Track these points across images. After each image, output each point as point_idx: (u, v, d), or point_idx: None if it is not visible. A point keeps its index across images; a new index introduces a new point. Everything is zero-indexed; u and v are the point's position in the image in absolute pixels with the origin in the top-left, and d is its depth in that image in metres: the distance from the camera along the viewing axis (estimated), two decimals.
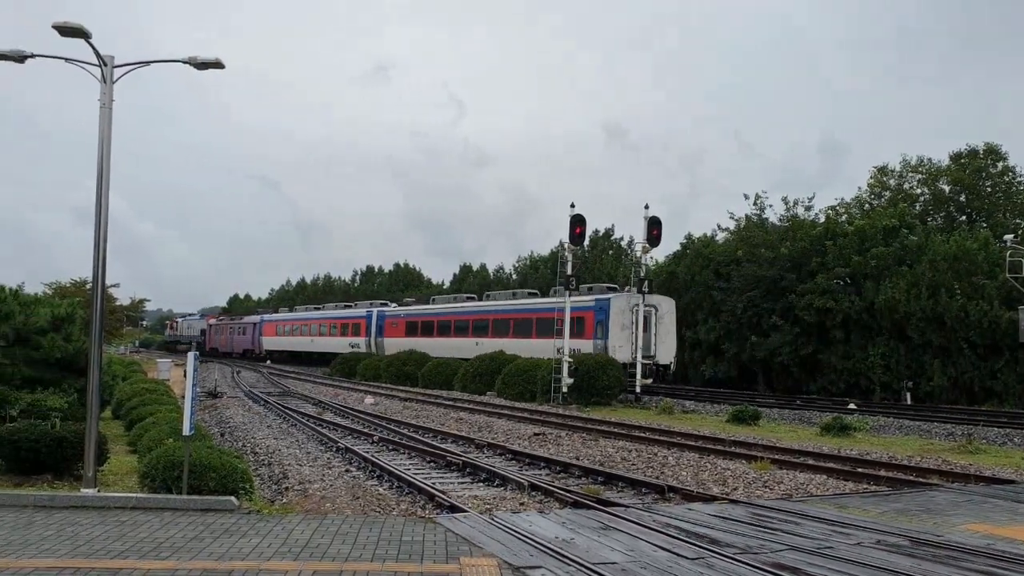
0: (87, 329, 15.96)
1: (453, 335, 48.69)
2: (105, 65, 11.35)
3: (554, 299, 38.66)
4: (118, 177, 11.69)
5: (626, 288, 39.44)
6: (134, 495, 10.72)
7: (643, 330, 35.98)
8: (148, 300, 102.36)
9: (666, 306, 38.24)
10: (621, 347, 36.13)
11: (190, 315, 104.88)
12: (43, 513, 9.84)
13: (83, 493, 10.70)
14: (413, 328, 53.44)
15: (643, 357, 35.57)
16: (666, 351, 37.55)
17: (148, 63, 11.82)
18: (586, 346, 36.58)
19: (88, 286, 55.97)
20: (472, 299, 51.74)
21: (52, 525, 9.16)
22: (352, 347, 59.61)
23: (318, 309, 71.71)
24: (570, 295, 34.36)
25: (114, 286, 77.20)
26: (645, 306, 36.22)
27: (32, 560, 7.58)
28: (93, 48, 11.12)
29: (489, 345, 43.49)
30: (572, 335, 34.37)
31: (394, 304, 60.90)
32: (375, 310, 59.92)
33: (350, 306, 66.92)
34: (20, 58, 11.34)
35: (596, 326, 37.71)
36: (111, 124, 11.44)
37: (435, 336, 50.63)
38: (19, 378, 18.76)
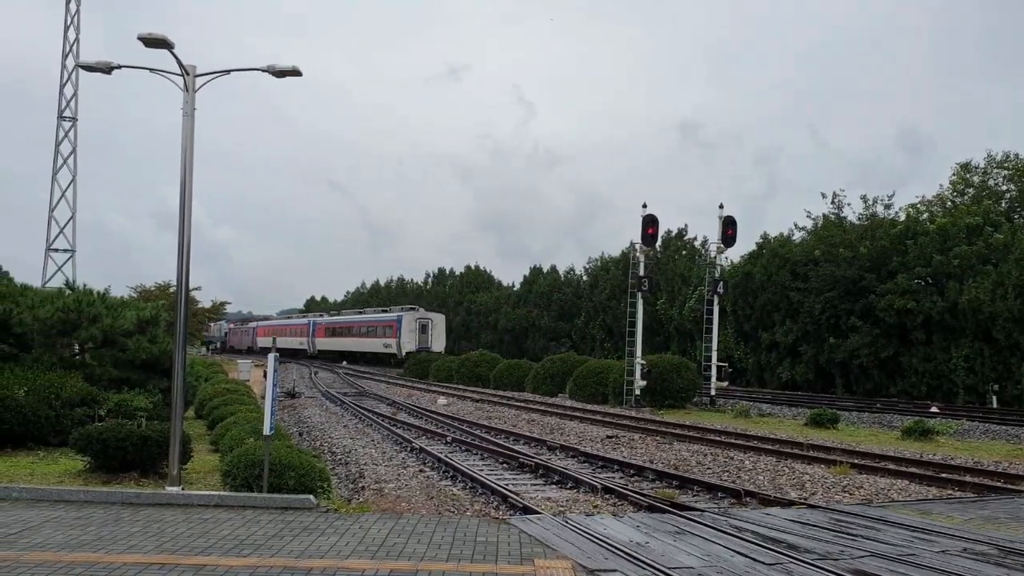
0: (171, 331, 16.43)
1: (340, 336, 77.94)
2: (187, 74, 11.66)
3: (383, 315, 71.53)
4: (195, 184, 12.00)
5: (417, 308, 69.35)
6: (216, 493, 11.00)
7: (422, 332, 65.22)
8: (229, 303, 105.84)
9: (437, 319, 67.51)
10: (408, 342, 64.35)
11: (219, 321, 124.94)
12: (130, 510, 10.16)
13: (168, 491, 11.01)
14: (324, 332, 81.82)
15: (420, 347, 63.53)
16: (439, 344, 65.69)
17: (228, 71, 12.10)
18: (392, 342, 66.49)
19: (171, 289, 57.55)
20: (359, 312, 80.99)
21: (139, 522, 9.45)
22: (300, 345, 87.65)
23: (289, 318, 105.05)
24: (384, 312, 72.41)
25: (196, 289, 79.52)
26: (424, 319, 66.21)
27: (120, 556, 7.84)
28: (176, 58, 11.45)
29: (352, 343, 74.60)
30: (385, 335, 67.98)
31: (326, 315, 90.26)
32: (312, 319, 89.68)
33: (306, 316, 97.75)
34: (108, 69, 11.76)
35: (397, 331, 65.90)
36: (193, 131, 11.76)
37: (334, 337, 79.16)
38: (107, 379, 19.42)
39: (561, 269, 75.72)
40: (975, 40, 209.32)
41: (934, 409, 31.13)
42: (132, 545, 8.30)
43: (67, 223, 67.77)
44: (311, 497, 10.67)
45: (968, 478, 15.14)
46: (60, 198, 67.41)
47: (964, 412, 30.69)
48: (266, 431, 11.20)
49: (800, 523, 10.34)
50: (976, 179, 50.68)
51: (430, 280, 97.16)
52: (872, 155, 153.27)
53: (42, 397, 15.85)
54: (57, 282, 48.72)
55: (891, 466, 16.59)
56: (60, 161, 67.50)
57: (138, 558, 7.74)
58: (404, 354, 63.96)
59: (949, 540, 9.36)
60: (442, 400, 35.28)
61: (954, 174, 51.81)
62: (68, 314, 19.17)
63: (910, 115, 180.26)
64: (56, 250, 67.72)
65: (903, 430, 22.90)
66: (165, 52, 11.25)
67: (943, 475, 15.43)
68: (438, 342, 65.89)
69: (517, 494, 13.28)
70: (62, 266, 67.14)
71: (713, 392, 33.89)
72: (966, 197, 49.67)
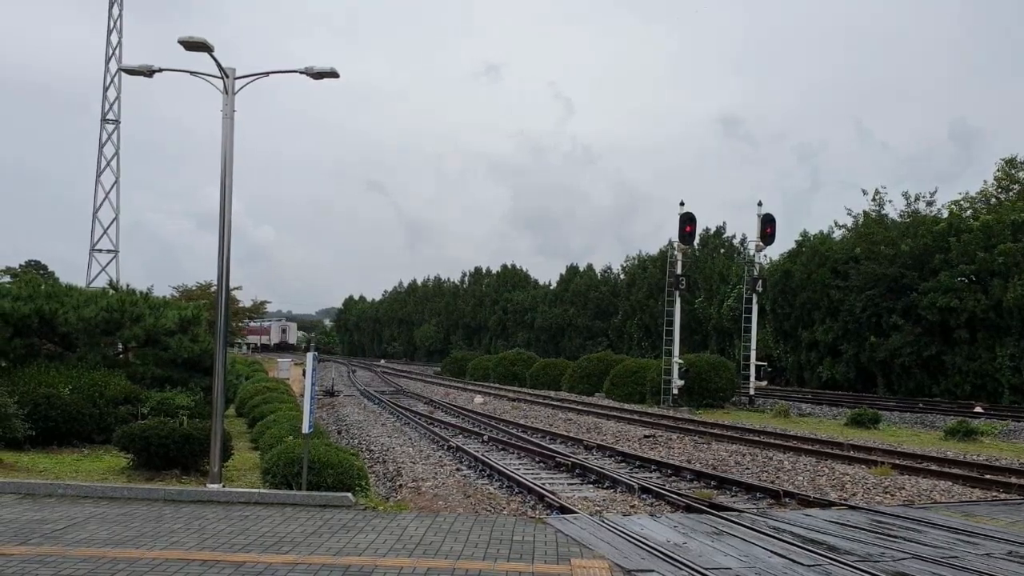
0: (212, 330, 16.64)
1: (251, 335, 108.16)
2: (227, 77, 11.79)
3: (265, 323, 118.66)
4: (236, 184, 12.16)
5: (281, 320, 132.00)
6: (256, 491, 11.13)
7: (283, 333, 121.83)
8: (269, 302, 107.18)
9: (291, 326, 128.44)
10: (275, 339, 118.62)
11: None
12: (172, 507, 10.31)
13: (209, 488, 11.16)
14: (247, 332, 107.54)
15: (281, 341, 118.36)
16: (292, 339, 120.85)
17: (267, 74, 12.23)
18: (268, 339, 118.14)
19: (212, 288, 58.32)
20: (260, 323, 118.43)
21: (180, 518, 9.59)
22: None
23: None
24: (267, 322, 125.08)
25: (237, 288, 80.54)
26: (284, 326, 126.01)
27: (163, 552, 7.95)
28: (216, 61, 11.58)
29: (254, 339, 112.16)
30: (266, 335, 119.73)
31: (257, 321, 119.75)
32: (248, 324, 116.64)
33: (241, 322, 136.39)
34: (149, 73, 11.93)
35: (269, 332, 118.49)
36: (233, 133, 11.90)
37: (249, 335, 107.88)
38: (149, 377, 19.71)
39: (599, 267, 75.73)
40: None
41: (978, 409, 30.60)
42: (174, 541, 8.42)
43: (111, 224, 68.96)
44: (349, 495, 10.74)
45: (1014, 480, 14.84)
46: (104, 200, 68.62)
47: (1010, 412, 30.10)
48: (305, 429, 11.30)
49: (840, 524, 10.23)
50: (1022, 175, 49.68)
51: (466, 279, 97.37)
52: (918, 150, 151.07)
53: (87, 395, 16.15)
54: (101, 282, 49.59)
55: (934, 467, 16.33)
56: (103, 163, 68.64)
57: (180, 554, 7.85)
58: (273, 344, 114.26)
59: (993, 543, 9.20)
60: (479, 399, 35.37)
61: (999, 170, 50.84)
62: (112, 314, 19.50)
63: (958, 110, 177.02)
64: (100, 250, 68.92)
65: (946, 430, 22.56)
66: (205, 55, 11.40)
67: (987, 476, 15.16)
68: (292, 339, 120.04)
69: (554, 493, 13.27)
70: (106, 266, 68.35)
71: (752, 392, 33.63)
72: (1011, 193, 48.71)
